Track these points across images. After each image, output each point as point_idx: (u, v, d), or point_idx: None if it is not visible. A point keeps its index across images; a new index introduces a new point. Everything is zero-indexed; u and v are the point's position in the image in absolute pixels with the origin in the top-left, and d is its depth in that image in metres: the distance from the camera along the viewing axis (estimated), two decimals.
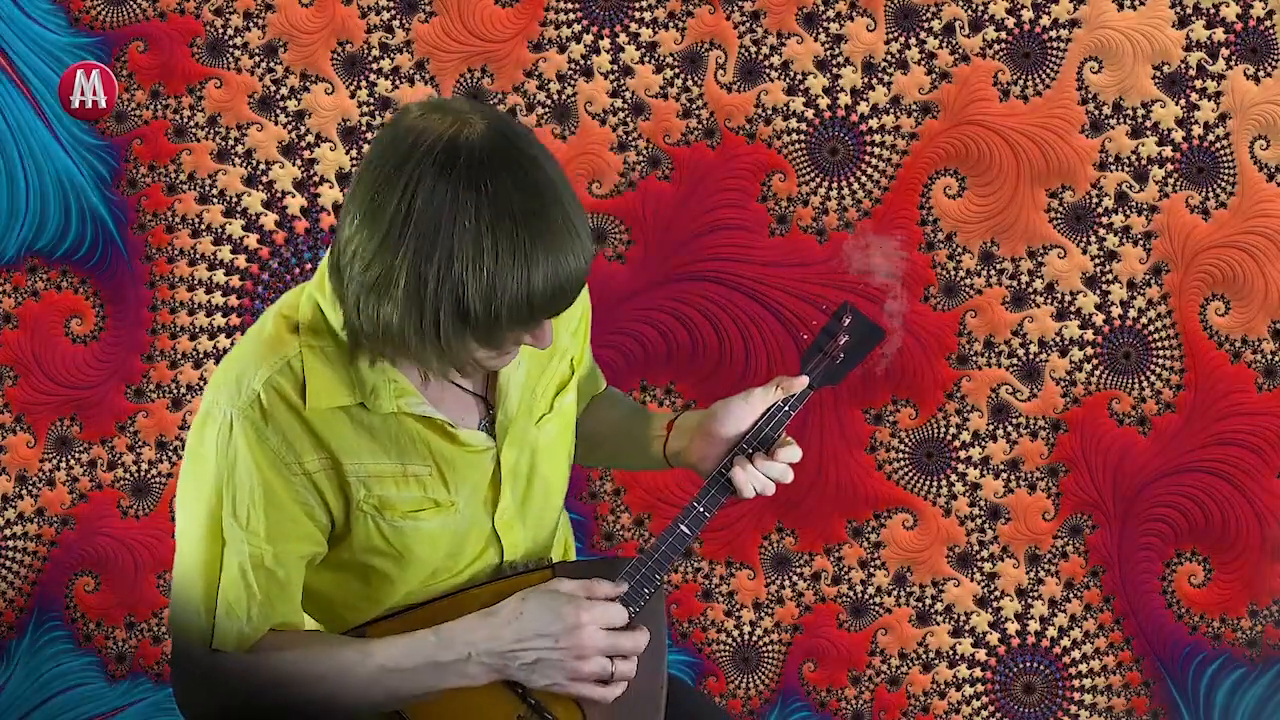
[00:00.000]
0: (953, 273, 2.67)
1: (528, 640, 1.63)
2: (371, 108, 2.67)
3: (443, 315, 1.47)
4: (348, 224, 1.50)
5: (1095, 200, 2.64)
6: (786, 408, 1.75)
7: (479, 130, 1.47)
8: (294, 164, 2.69)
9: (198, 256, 2.70)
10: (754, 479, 1.72)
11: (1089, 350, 2.67)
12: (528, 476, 1.77)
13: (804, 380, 1.75)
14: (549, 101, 2.67)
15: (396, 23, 2.66)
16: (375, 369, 1.61)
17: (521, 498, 1.77)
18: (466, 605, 1.70)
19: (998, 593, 2.72)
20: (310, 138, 2.68)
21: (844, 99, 2.66)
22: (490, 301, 1.46)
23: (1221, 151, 2.62)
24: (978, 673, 2.74)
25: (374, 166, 1.49)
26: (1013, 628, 2.73)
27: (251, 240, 2.70)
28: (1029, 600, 2.72)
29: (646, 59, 2.67)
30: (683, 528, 1.72)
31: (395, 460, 1.65)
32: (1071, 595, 2.71)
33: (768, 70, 2.66)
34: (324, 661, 1.63)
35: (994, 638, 2.73)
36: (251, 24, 2.67)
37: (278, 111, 2.68)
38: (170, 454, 2.72)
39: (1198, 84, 2.61)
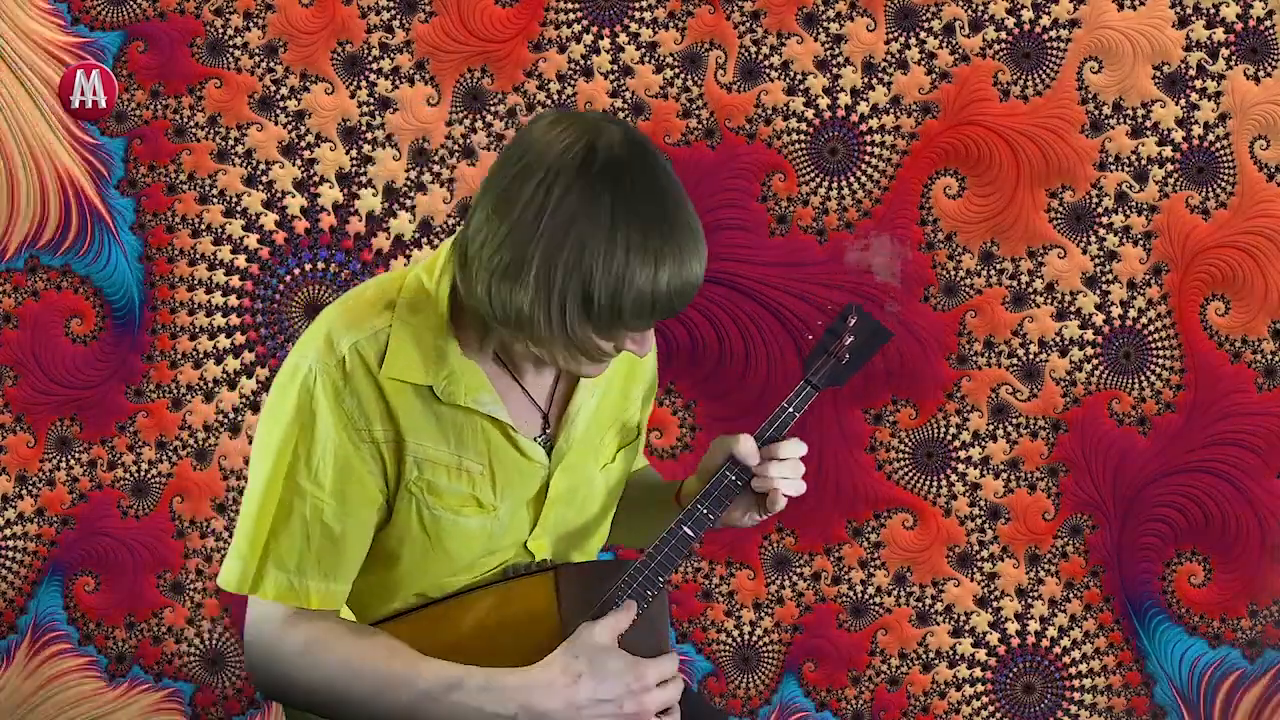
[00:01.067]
0: (953, 273, 2.67)
1: (588, 708, 1.63)
2: (371, 108, 2.67)
3: (569, 303, 1.53)
4: (479, 214, 1.56)
5: (1095, 200, 2.64)
6: (791, 409, 1.76)
7: (616, 137, 1.54)
8: (294, 164, 2.69)
9: (198, 256, 2.70)
10: (766, 479, 1.75)
11: (1089, 350, 2.67)
12: (575, 511, 1.80)
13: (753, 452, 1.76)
14: (549, 101, 2.67)
15: (396, 23, 2.66)
16: (461, 359, 1.66)
17: (560, 525, 1.79)
18: (469, 607, 1.71)
19: (998, 593, 2.72)
20: (310, 138, 2.68)
21: (844, 99, 2.66)
22: (616, 294, 1.52)
23: (1221, 151, 2.62)
24: (978, 673, 2.74)
25: (510, 164, 1.56)
26: (1013, 628, 2.73)
27: (251, 240, 2.70)
28: (1029, 600, 2.72)
29: (646, 59, 2.67)
30: (686, 529, 1.72)
31: (453, 450, 1.68)
32: (1071, 595, 2.71)
33: (768, 70, 2.66)
34: (371, 665, 1.64)
35: (994, 638, 2.73)
36: (251, 24, 2.67)
37: (278, 111, 2.68)
38: (170, 454, 2.72)
39: (1198, 84, 2.61)
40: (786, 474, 1.76)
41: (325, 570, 1.66)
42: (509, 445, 1.71)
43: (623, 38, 2.66)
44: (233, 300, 2.71)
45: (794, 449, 1.76)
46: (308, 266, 2.70)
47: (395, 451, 1.66)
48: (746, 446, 1.75)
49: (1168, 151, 2.63)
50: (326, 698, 1.65)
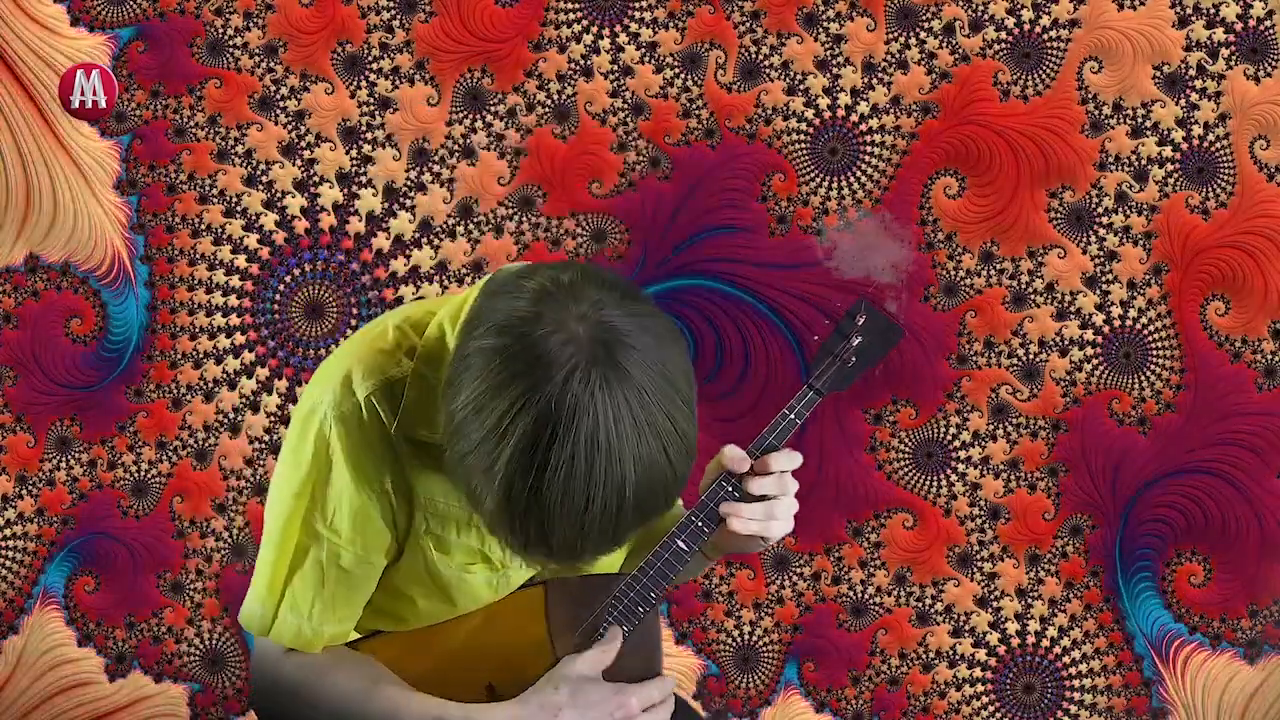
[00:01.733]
0: (953, 273, 2.67)
1: None
2: (371, 108, 2.67)
3: (529, 529, 1.42)
4: (459, 391, 1.42)
5: (1095, 200, 2.64)
6: (792, 415, 1.66)
7: (587, 356, 1.40)
8: (294, 164, 2.69)
9: (198, 256, 2.70)
10: (744, 521, 1.65)
11: (1089, 350, 2.67)
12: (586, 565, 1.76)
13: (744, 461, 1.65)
14: (549, 101, 2.67)
15: (396, 23, 2.66)
16: None
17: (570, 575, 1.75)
18: (457, 624, 1.69)
19: (998, 593, 2.72)
20: (310, 138, 2.68)
21: (844, 99, 2.66)
22: (577, 531, 1.41)
23: (1221, 151, 2.62)
24: (978, 673, 2.74)
25: (492, 362, 1.41)
26: (1013, 628, 2.73)
27: (251, 240, 2.70)
28: (1029, 600, 2.72)
29: (646, 59, 2.67)
30: (679, 543, 1.65)
31: (464, 506, 1.62)
32: (1071, 595, 2.71)
33: (768, 70, 2.66)
34: (378, 699, 1.63)
35: (994, 638, 2.73)
36: (251, 24, 2.67)
37: (278, 111, 2.68)
38: (170, 454, 2.72)
39: (1198, 84, 2.61)
40: (771, 490, 1.64)
41: (339, 615, 1.65)
42: None
43: (623, 38, 2.66)
44: (233, 300, 2.71)
45: (786, 461, 1.65)
46: (308, 267, 2.70)
47: (406, 503, 1.63)
48: (732, 453, 1.65)
49: (1168, 151, 2.63)
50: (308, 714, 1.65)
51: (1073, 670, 2.73)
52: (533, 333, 1.41)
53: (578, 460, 1.39)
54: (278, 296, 2.71)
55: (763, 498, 1.65)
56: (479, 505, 1.45)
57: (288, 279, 2.71)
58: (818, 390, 1.66)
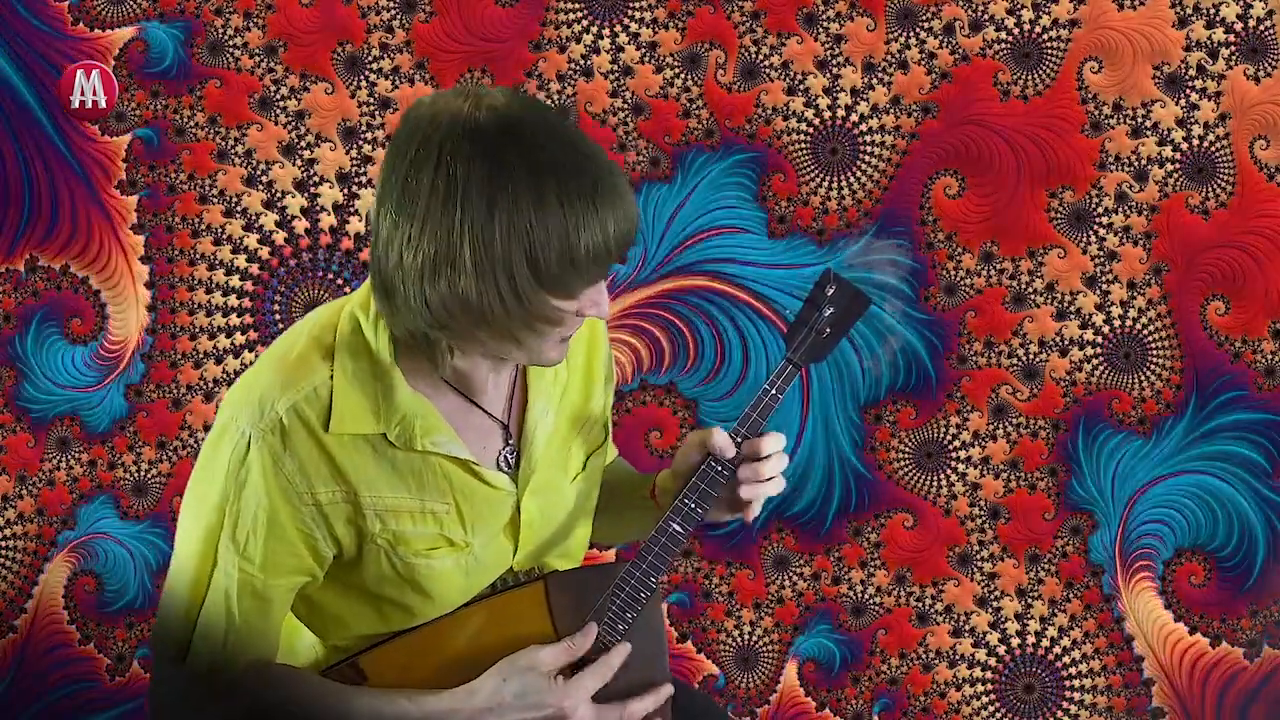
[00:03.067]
0: (953, 273, 2.67)
1: None
2: (371, 108, 2.67)
3: (517, 273, 1.44)
4: (385, 222, 1.46)
5: (1095, 200, 2.64)
6: (774, 390, 1.67)
7: (500, 100, 1.45)
8: (294, 164, 2.69)
9: (198, 256, 2.70)
10: (751, 484, 1.68)
11: (1089, 350, 2.67)
12: (555, 529, 1.75)
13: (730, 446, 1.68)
14: (549, 101, 2.67)
15: (396, 23, 2.66)
16: (411, 398, 1.58)
17: (542, 546, 1.75)
18: (460, 626, 1.68)
19: (998, 593, 2.72)
20: (310, 138, 2.68)
21: (844, 99, 2.66)
22: (565, 249, 1.44)
23: (1221, 151, 2.62)
24: (978, 673, 2.74)
25: (399, 156, 1.45)
26: (1013, 627, 2.73)
27: (251, 240, 2.70)
28: (1029, 600, 2.72)
29: (646, 59, 2.67)
30: (674, 527, 1.67)
31: (414, 495, 1.62)
32: (1071, 595, 2.71)
33: (768, 70, 2.66)
34: (306, 704, 1.61)
35: (994, 638, 2.73)
36: (251, 24, 2.67)
37: (278, 111, 2.68)
38: (170, 454, 2.72)
39: (1198, 84, 2.61)
40: (769, 473, 1.67)
41: (253, 643, 1.61)
42: (471, 478, 1.65)
43: (623, 38, 2.66)
44: (233, 300, 2.71)
45: (775, 443, 1.68)
46: (307, 266, 2.70)
47: (347, 510, 1.59)
48: (720, 440, 1.66)
49: (1168, 151, 2.63)
50: None
51: (1072, 670, 2.73)
52: (431, 107, 1.46)
53: (547, 151, 1.42)
54: (278, 296, 2.71)
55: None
56: (463, 298, 1.44)
57: (287, 279, 2.71)
58: (795, 363, 1.68)
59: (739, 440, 1.67)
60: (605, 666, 1.66)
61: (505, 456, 1.69)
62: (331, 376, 1.56)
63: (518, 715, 1.61)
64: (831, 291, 1.68)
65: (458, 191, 1.42)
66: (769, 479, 1.69)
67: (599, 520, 1.87)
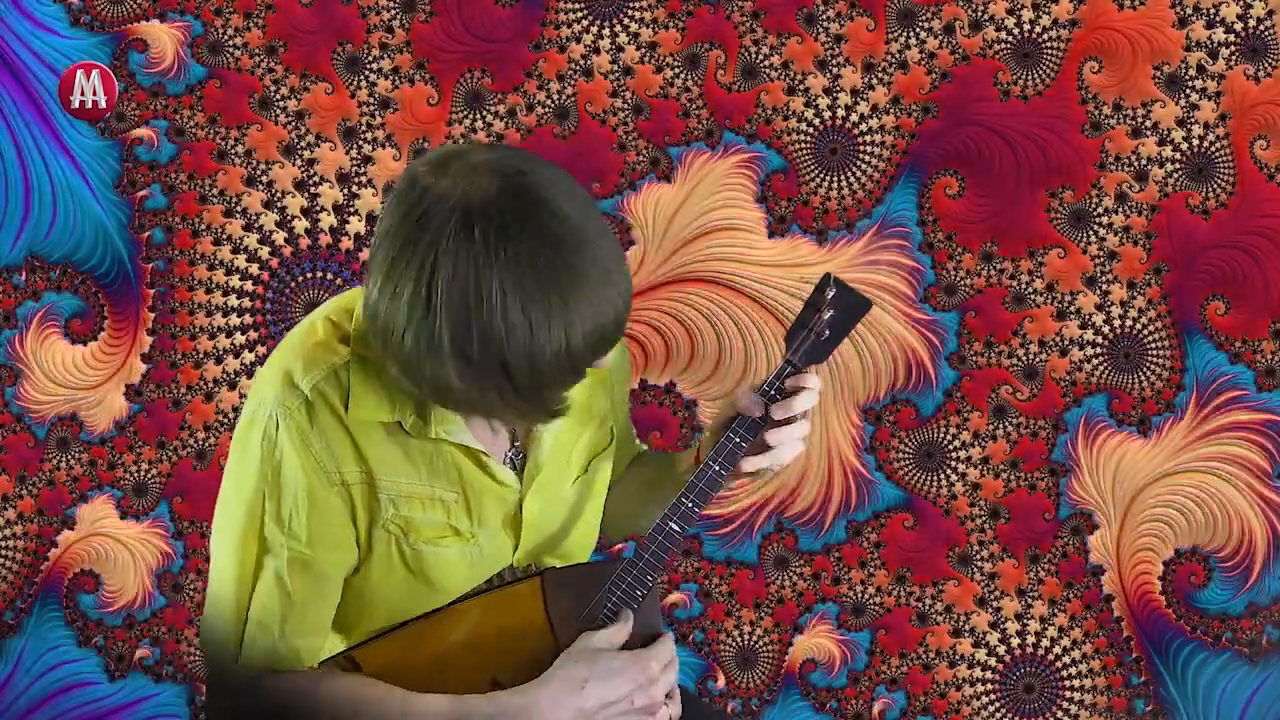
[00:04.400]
0: (953, 273, 2.67)
1: (599, 712, 1.62)
2: (371, 108, 2.67)
3: (495, 377, 1.45)
4: (374, 292, 1.46)
5: (1095, 200, 2.64)
6: (773, 392, 1.68)
7: (491, 190, 1.42)
8: (294, 164, 2.69)
9: (197, 256, 2.70)
10: (774, 448, 1.67)
11: (1089, 350, 2.67)
12: (556, 530, 1.76)
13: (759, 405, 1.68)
14: (549, 101, 2.67)
15: (396, 23, 2.66)
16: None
17: (543, 546, 1.76)
18: (456, 620, 1.68)
19: (998, 593, 2.72)
20: (310, 138, 2.68)
21: (844, 99, 2.66)
22: (533, 365, 1.44)
23: (1221, 151, 2.62)
24: (978, 673, 2.74)
25: (391, 238, 1.45)
26: (1013, 628, 2.73)
27: (251, 240, 2.70)
28: (1029, 600, 2.72)
29: (646, 59, 2.67)
30: (672, 526, 1.68)
31: (425, 482, 1.64)
32: (1071, 595, 2.71)
33: (767, 70, 2.66)
34: (365, 707, 1.60)
35: (994, 637, 2.73)
36: (251, 24, 2.67)
37: (278, 111, 2.68)
38: (170, 454, 2.72)
39: (1198, 84, 2.61)
40: (800, 408, 1.66)
41: (310, 625, 1.61)
42: (480, 471, 1.66)
43: (623, 38, 2.66)
44: (233, 300, 2.71)
45: (806, 399, 1.66)
46: (307, 266, 2.70)
47: (367, 491, 1.61)
48: (746, 399, 1.66)
49: (1168, 151, 2.63)
50: None
51: (1073, 670, 2.73)
52: (423, 192, 1.44)
53: (510, 297, 1.41)
54: (278, 296, 2.71)
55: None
56: (440, 386, 1.46)
57: (287, 278, 2.71)
58: (795, 365, 1.69)
59: (763, 405, 1.67)
60: (668, 645, 1.69)
61: (511, 457, 1.71)
62: (349, 363, 1.58)
63: (605, 696, 1.62)
64: (831, 294, 1.68)
65: (437, 292, 1.42)
66: (795, 421, 1.67)
67: (642, 508, 1.88)
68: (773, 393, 1.68)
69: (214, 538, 1.63)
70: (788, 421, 1.67)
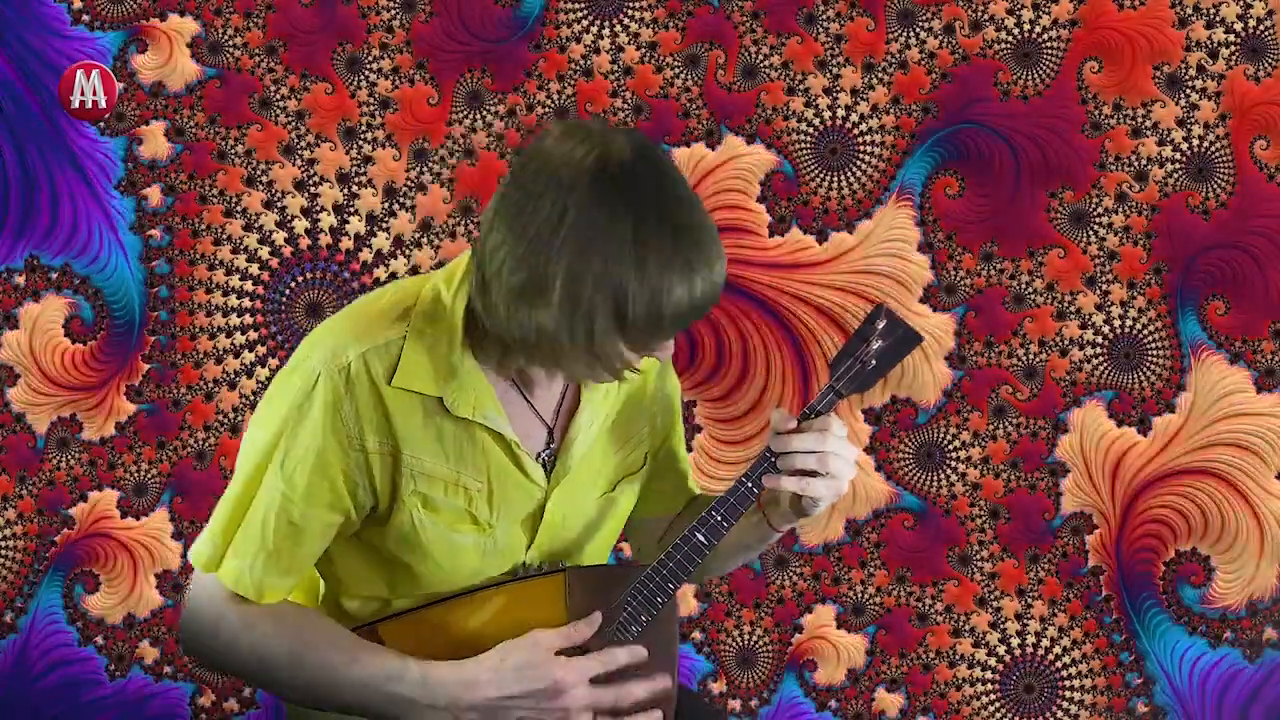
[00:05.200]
0: (953, 273, 2.67)
1: (512, 701, 1.65)
2: (371, 108, 2.67)
3: (599, 318, 1.52)
4: (494, 235, 1.54)
5: (1095, 200, 2.64)
6: (813, 416, 1.71)
7: (625, 148, 1.52)
8: (294, 164, 2.69)
9: (197, 256, 2.70)
10: (791, 475, 1.69)
11: (1089, 350, 2.67)
12: (573, 538, 1.80)
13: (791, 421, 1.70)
14: (549, 101, 2.67)
15: (396, 23, 2.66)
16: (473, 373, 1.65)
17: (555, 552, 1.79)
18: (478, 607, 1.71)
19: (998, 593, 2.72)
20: (310, 138, 2.68)
21: (844, 99, 2.66)
22: (654, 306, 1.51)
23: (1221, 151, 2.62)
24: (978, 673, 2.74)
25: (521, 181, 1.54)
26: (1013, 628, 2.73)
27: (251, 240, 2.70)
28: (1029, 600, 2.72)
29: (646, 59, 2.67)
30: (699, 537, 1.71)
31: (452, 465, 1.68)
32: (1071, 595, 2.71)
33: (767, 70, 2.66)
34: (311, 650, 1.65)
35: (994, 637, 2.73)
36: (251, 24, 2.67)
37: (278, 111, 2.68)
38: (170, 454, 2.72)
39: (1198, 84, 2.61)
40: (812, 446, 1.68)
41: (281, 567, 1.66)
42: (511, 463, 1.71)
43: (623, 38, 2.66)
44: (233, 300, 2.71)
45: (820, 423, 1.69)
46: (307, 266, 2.70)
47: (391, 463, 1.66)
48: (778, 416, 1.70)
49: (1168, 151, 2.63)
50: (261, 678, 1.68)
51: (1072, 670, 2.73)
52: (556, 143, 1.54)
53: (643, 228, 1.49)
54: (278, 296, 2.71)
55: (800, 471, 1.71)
56: (544, 326, 1.53)
57: (287, 278, 2.71)
58: (838, 391, 1.72)
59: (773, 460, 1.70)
60: (610, 656, 1.69)
61: (544, 457, 1.75)
62: (405, 337, 1.64)
63: (516, 686, 1.65)
64: (882, 325, 1.72)
65: (563, 229, 1.50)
66: (803, 461, 1.69)
67: (715, 566, 1.91)
68: (815, 415, 1.70)
69: (240, 453, 1.69)
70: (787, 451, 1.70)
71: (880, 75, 2.65)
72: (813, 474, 1.69)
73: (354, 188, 2.69)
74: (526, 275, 1.52)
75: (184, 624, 1.70)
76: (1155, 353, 2.66)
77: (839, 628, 2.75)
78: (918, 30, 2.64)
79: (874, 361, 1.72)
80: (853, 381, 1.72)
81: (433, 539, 1.69)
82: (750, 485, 1.71)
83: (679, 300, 1.52)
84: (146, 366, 2.71)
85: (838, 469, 1.70)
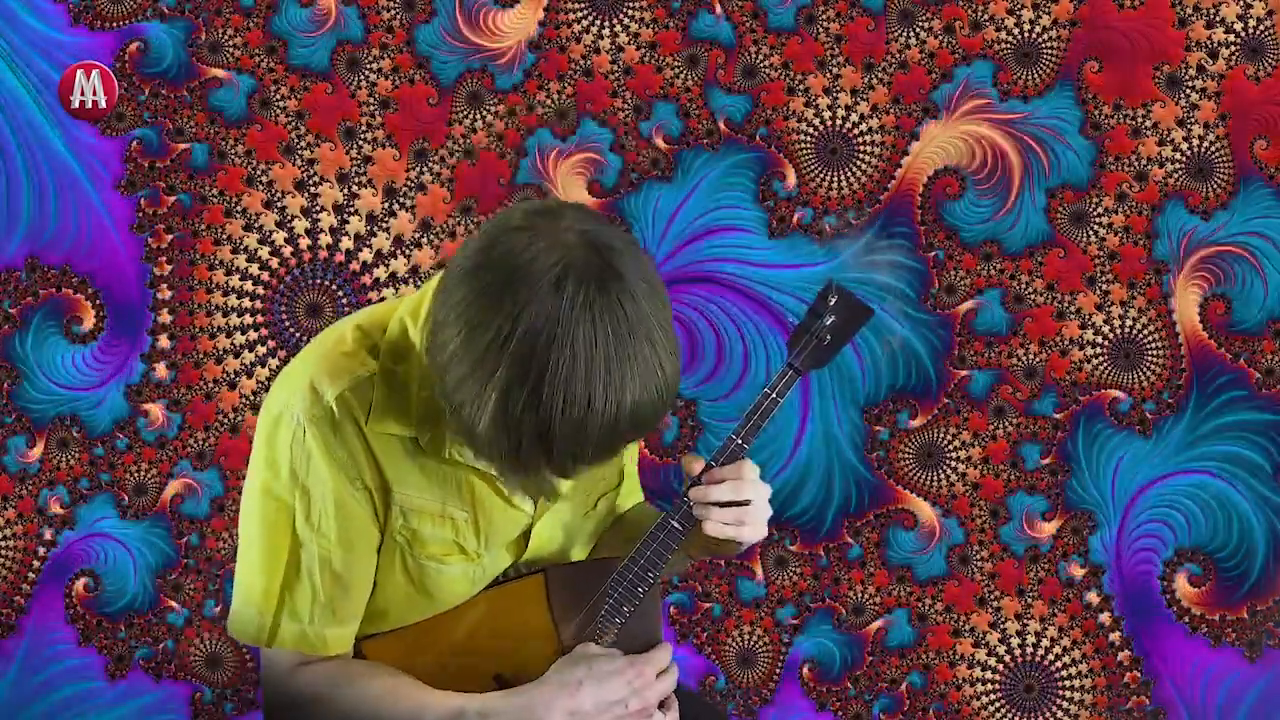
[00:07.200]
0: (953, 273, 2.67)
1: (593, 714, 1.63)
2: (371, 108, 2.67)
3: (525, 440, 1.45)
4: (446, 325, 1.47)
5: (1095, 200, 2.64)
6: (774, 394, 1.70)
7: (581, 261, 1.43)
8: (294, 164, 2.69)
9: (197, 256, 2.70)
10: (716, 525, 1.67)
11: (1089, 350, 2.67)
12: (552, 552, 1.79)
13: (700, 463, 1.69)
14: (549, 101, 2.67)
15: (396, 23, 2.66)
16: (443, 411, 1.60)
17: (538, 562, 1.79)
18: (460, 615, 1.71)
19: (998, 593, 2.72)
20: (310, 138, 2.68)
21: (844, 99, 2.66)
22: (578, 433, 1.44)
23: (1221, 151, 2.62)
24: (977, 673, 2.74)
25: (479, 276, 1.45)
26: (1012, 627, 2.73)
27: (251, 240, 2.70)
28: (1029, 600, 2.72)
29: (646, 59, 2.67)
30: (674, 523, 1.69)
31: (437, 499, 1.66)
32: (1071, 595, 2.71)
33: (767, 70, 2.66)
34: (378, 708, 1.64)
35: (994, 638, 2.73)
36: (252, 24, 2.67)
37: (278, 111, 2.68)
38: (169, 454, 2.72)
39: (1198, 84, 2.61)
40: (728, 496, 1.66)
41: (339, 616, 1.65)
42: (495, 495, 1.69)
43: (623, 37, 2.66)
44: (233, 300, 2.71)
45: (733, 472, 1.67)
46: (307, 266, 2.70)
47: (383, 499, 1.64)
48: (689, 460, 1.68)
49: (1168, 151, 2.63)
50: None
51: (1072, 670, 2.73)
52: (520, 243, 1.45)
53: (577, 363, 1.41)
54: (278, 296, 2.71)
55: (736, 503, 1.68)
56: (473, 430, 1.46)
57: (287, 279, 2.71)
58: (796, 369, 1.71)
59: (715, 461, 1.68)
60: (665, 653, 1.70)
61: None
62: (375, 374, 1.61)
63: (602, 696, 1.63)
64: (834, 301, 1.70)
65: (506, 351, 1.42)
66: (722, 508, 1.67)
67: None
68: (775, 394, 1.70)
69: (243, 524, 1.66)
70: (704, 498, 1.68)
71: (880, 75, 2.65)
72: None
73: (354, 188, 2.69)
74: (468, 386, 1.45)
75: (265, 705, 1.69)
76: (1155, 352, 2.66)
77: (839, 628, 2.75)
78: (918, 30, 2.64)
79: (829, 337, 1.70)
80: (810, 358, 1.71)
81: (422, 573, 1.69)
82: (677, 525, 1.69)
83: (602, 429, 1.44)
84: (146, 367, 2.71)
85: (754, 517, 1.68)
